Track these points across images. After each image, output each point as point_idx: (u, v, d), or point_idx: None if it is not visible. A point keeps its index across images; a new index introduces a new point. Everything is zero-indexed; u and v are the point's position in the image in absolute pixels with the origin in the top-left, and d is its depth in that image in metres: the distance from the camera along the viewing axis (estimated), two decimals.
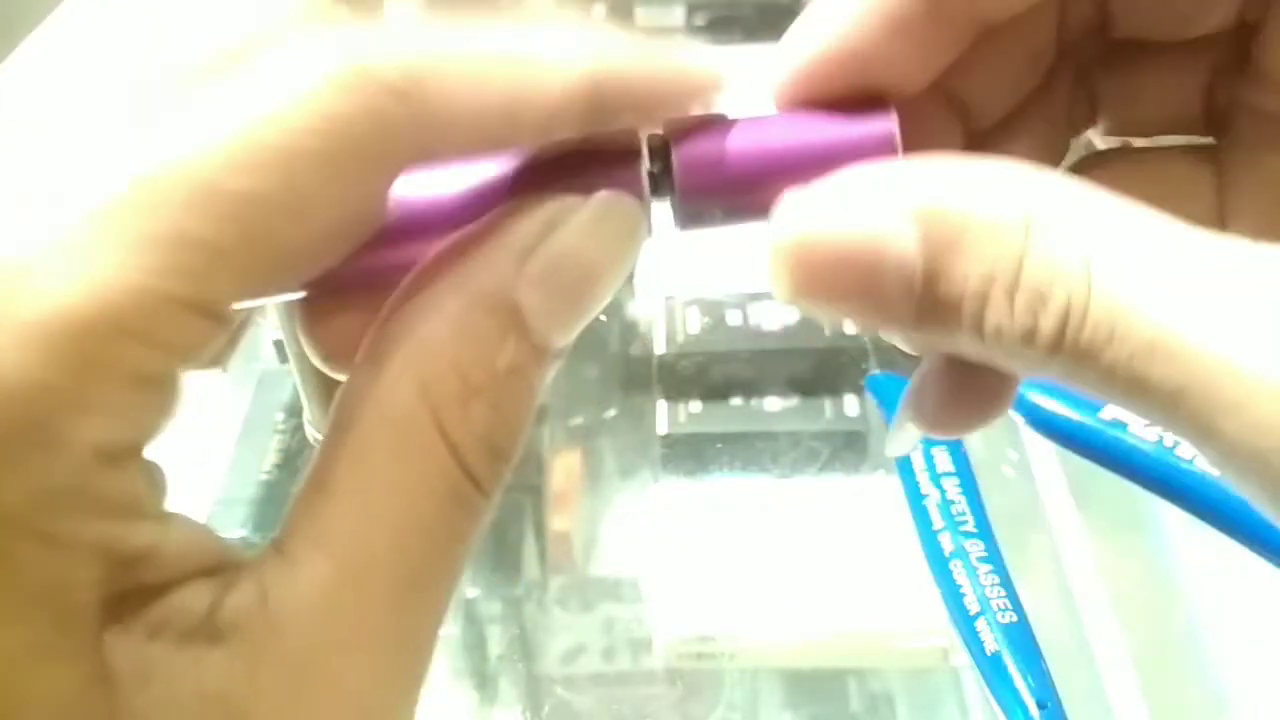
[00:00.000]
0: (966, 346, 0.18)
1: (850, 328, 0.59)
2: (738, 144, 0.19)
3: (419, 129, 0.16)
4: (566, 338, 0.17)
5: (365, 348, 0.17)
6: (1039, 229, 0.17)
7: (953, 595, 0.45)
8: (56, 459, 0.14)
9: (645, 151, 0.19)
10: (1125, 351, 0.16)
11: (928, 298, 0.17)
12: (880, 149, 0.19)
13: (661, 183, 0.19)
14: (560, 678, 0.51)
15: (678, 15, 0.87)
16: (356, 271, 0.17)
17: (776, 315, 0.60)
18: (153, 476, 0.15)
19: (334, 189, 0.15)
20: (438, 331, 0.16)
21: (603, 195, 0.18)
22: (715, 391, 0.58)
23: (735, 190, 0.19)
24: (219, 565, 0.15)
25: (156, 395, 0.15)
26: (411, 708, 0.16)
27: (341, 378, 0.18)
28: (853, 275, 0.17)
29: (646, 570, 0.53)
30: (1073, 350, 0.17)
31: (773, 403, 0.57)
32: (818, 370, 0.58)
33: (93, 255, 0.14)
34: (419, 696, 0.17)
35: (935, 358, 0.23)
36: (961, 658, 0.46)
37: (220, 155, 0.14)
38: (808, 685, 0.52)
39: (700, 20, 0.87)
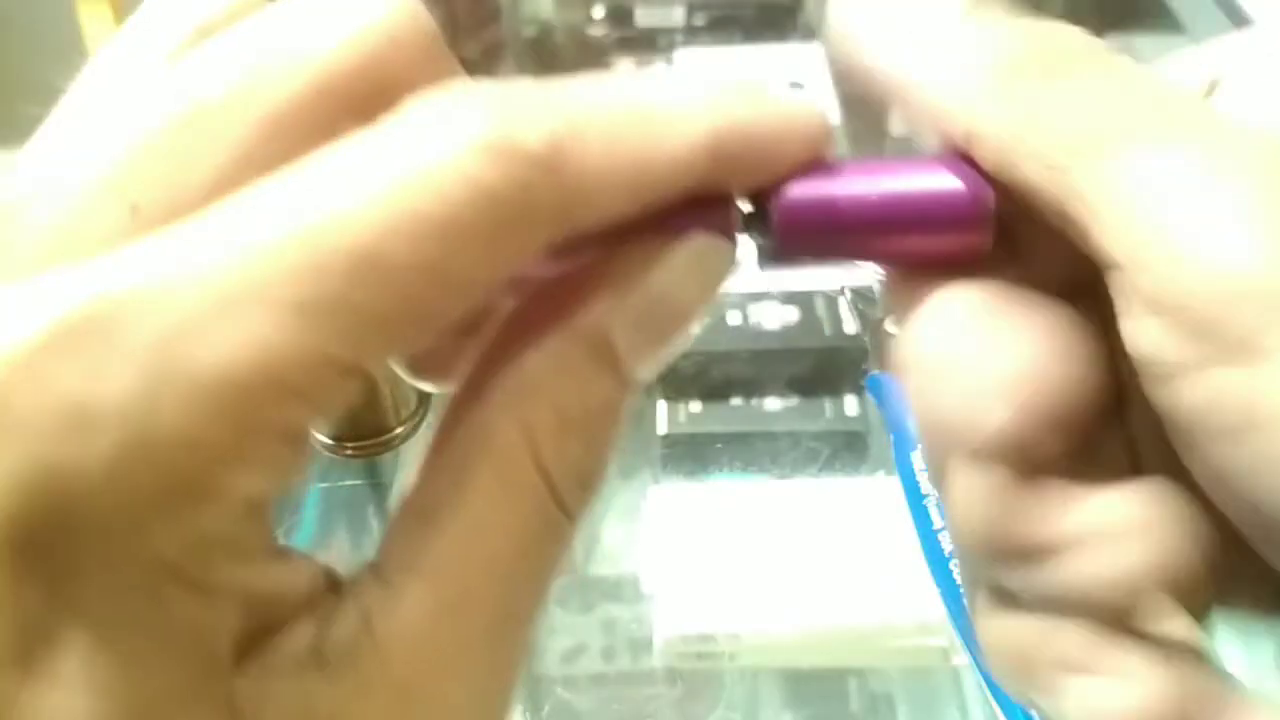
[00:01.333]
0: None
1: (851, 327, 0.59)
2: (837, 189, 0.19)
3: (562, 199, 0.16)
4: (652, 372, 0.18)
5: (467, 379, 0.17)
6: None
7: (953, 595, 0.45)
8: (213, 510, 0.14)
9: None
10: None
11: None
12: (971, 208, 0.19)
13: (752, 221, 0.19)
14: (560, 678, 0.51)
15: (678, 15, 0.87)
16: None
17: (776, 315, 0.60)
18: (269, 520, 0.16)
19: (485, 261, 0.15)
20: (539, 370, 0.17)
21: (700, 239, 0.18)
22: (715, 391, 0.58)
23: (832, 235, 0.19)
24: (325, 589, 0.16)
25: (302, 448, 0.15)
26: None
27: (429, 388, 0.20)
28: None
29: (646, 570, 0.53)
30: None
31: (773, 403, 0.57)
32: (818, 370, 0.58)
33: (258, 315, 0.14)
34: (510, 714, 0.17)
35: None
36: (961, 658, 0.46)
37: (380, 222, 0.14)
38: (808, 685, 0.52)
39: (700, 20, 0.87)
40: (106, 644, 0.14)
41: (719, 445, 0.56)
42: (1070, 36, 0.18)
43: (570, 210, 0.16)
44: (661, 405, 0.57)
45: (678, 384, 0.58)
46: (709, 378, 0.58)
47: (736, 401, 0.57)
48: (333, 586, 0.16)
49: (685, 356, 0.58)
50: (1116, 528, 0.17)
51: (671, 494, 0.54)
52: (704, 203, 0.18)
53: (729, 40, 0.86)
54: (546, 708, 0.50)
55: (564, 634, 0.52)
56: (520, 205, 0.15)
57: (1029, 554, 0.18)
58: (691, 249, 0.18)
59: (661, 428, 0.56)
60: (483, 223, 0.15)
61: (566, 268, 0.18)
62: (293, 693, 0.15)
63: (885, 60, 0.19)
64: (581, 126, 0.16)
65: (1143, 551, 0.17)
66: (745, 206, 0.19)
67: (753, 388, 0.58)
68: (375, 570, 0.16)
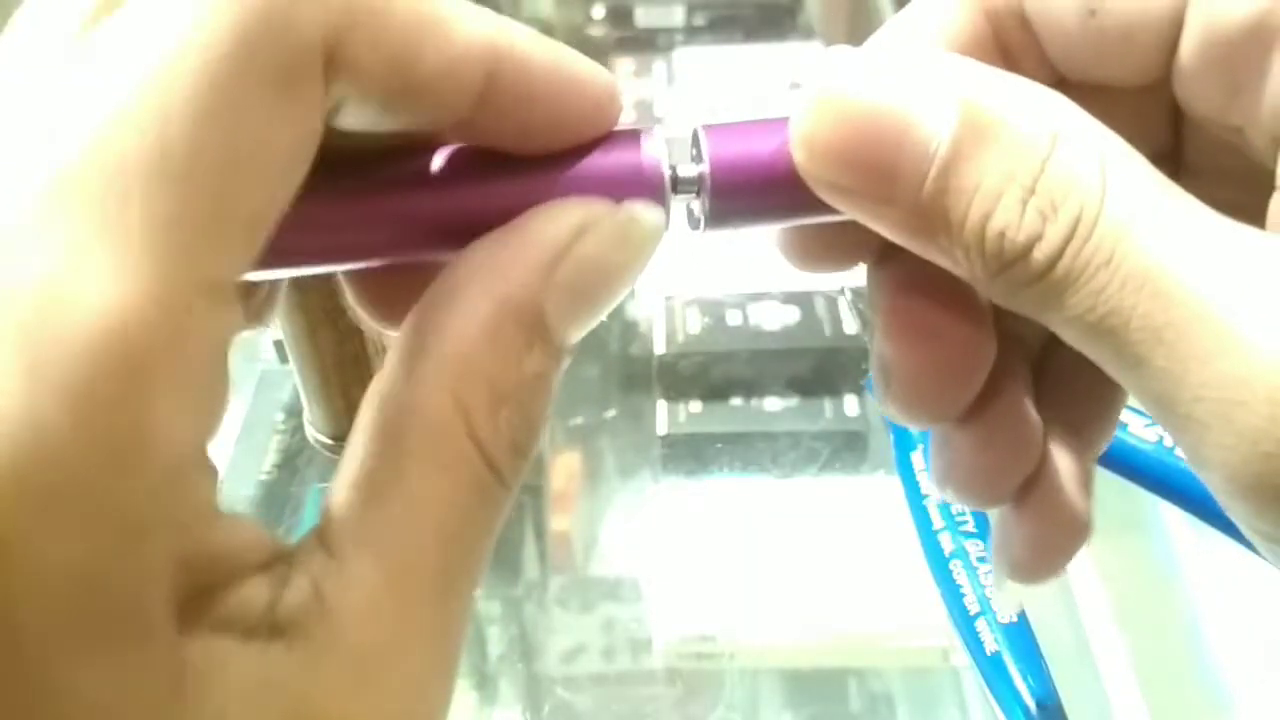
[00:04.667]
0: (952, 251, 0.18)
1: (851, 327, 0.59)
2: (768, 144, 0.19)
3: (330, 32, 0.15)
4: (580, 336, 0.18)
5: (399, 347, 0.17)
6: (1065, 144, 0.17)
7: (953, 595, 0.45)
8: (146, 476, 0.13)
9: (665, 150, 0.19)
10: (1118, 278, 0.17)
11: (939, 183, 0.18)
12: None
13: (682, 182, 0.20)
14: (560, 678, 0.51)
15: (678, 15, 0.87)
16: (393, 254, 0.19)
17: (776, 315, 0.60)
18: (213, 477, 0.16)
19: (269, 120, 0.15)
20: (470, 342, 0.17)
21: (630, 205, 0.18)
22: (715, 391, 0.58)
23: (766, 191, 0.20)
24: (271, 558, 0.16)
25: (218, 387, 0.15)
26: (451, 693, 0.17)
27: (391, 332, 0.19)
28: (876, 141, 0.18)
29: (646, 570, 0.52)
30: (1066, 269, 0.17)
31: (773, 403, 0.57)
32: (818, 370, 0.58)
33: (97, 256, 0.13)
34: (455, 683, 0.18)
35: (1005, 509, 0.23)
36: (961, 658, 0.46)
37: (147, 117, 0.14)
38: (808, 685, 0.52)
39: (700, 20, 0.87)
40: None
41: (719, 445, 0.56)
42: None
43: (340, 50, 0.16)
44: (661, 405, 0.57)
45: (678, 384, 0.58)
46: (709, 378, 0.58)
47: (736, 401, 0.57)
48: (282, 556, 0.16)
49: (685, 356, 0.58)
50: None
51: (671, 494, 0.54)
52: (633, 166, 0.19)
53: (729, 40, 0.86)
54: (546, 708, 0.50)
55: (564, 634, 0.52)
56: (283, 40, 0.15)
57: None
58: (621, 216, 0.18)
59: (661, 428, 0.56)
60: (248, 73, 0.14)
61: (498, 232, 0.18)
62: (246, 656, 0.15)
63: None
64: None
65: None
66: (678, 170, 0.20)
67: (753, 388, 0.58)
68: (321, 540, 0.16)
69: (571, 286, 0.18)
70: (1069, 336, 0.18)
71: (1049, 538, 0.23)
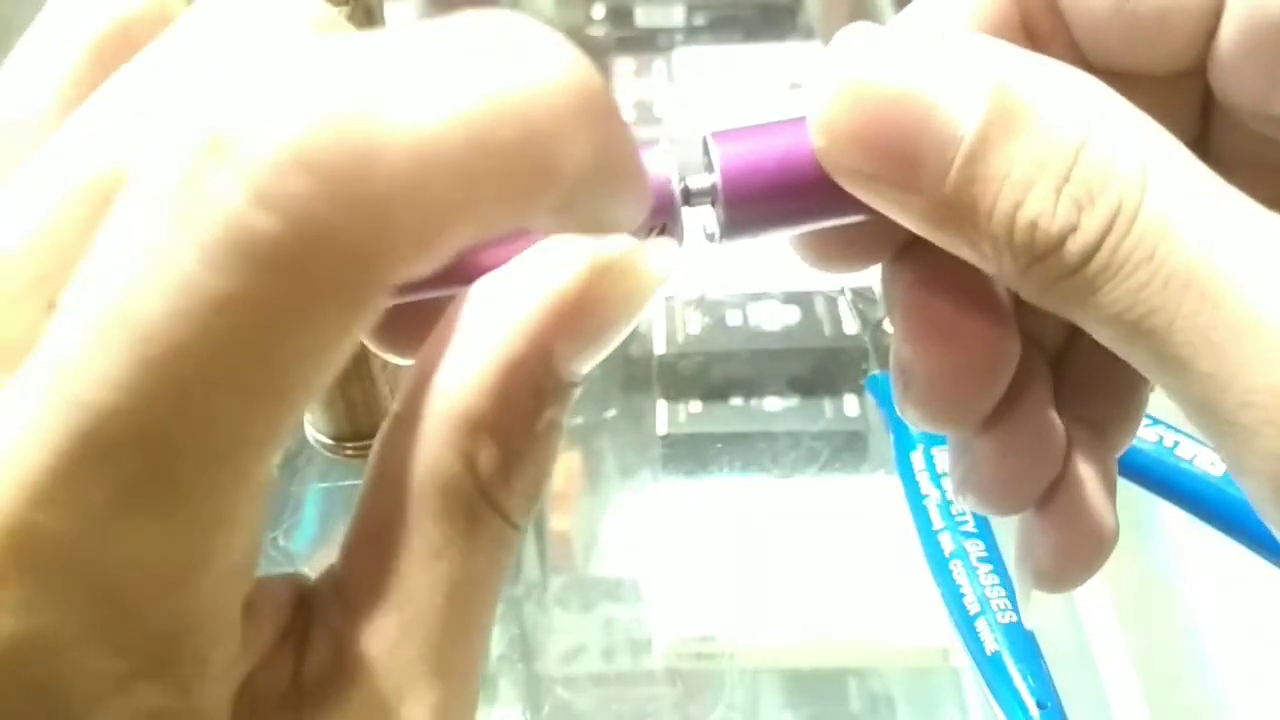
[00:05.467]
0: (979, 244, 0.17)
1: (851, 327, 0.59)
2: (782, 148, 0.19)
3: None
4: (587, 370, 0.18)
5: (408, 394, 0.17)
6: (1101, 132, 0.17)
7: (953, 595, 0.45)
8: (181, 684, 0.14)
9: (674, 164, 0.19)
10: (1161, 275, 0.16)
11: (966, 171, 0.17)
12: None
13: (694, 195, 0.19)
14: (560, 678, 0.51)
15: (678, 15, 0.87)
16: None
17: (776, 315, 0.60)
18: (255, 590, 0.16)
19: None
20: (480, 404, 0.16)
21: (646, 243, 0.17)
22: (715, 391, 0.58)
23: (783, 197, 0.19)
24: (293, 618, 0.16)
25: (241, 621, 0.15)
26: None
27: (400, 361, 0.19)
28: (900, 125, 0.17)
29: (646, 570, 0.52)
30: (1104, 264, 0.16)
31: (773, 403, 0.57)
32: (818, 370, 0.58)
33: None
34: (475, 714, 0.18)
35: (1028, 516, 0.22)
36: (961, 658, 0.46)
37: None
38: (808, 685, 0.52)
39: (700, 20, 0.87)
40: None
41: (719, 445, 0.56)
42: None
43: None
44: (661, 405, 0.57)
45: (678, 384, 0.58)
46: (709, 378, 0.58)
47: (736, 401, 0.57)
48: (300, 602, 0.17)
49: (685, 356, 0.58)
50: None
51: (671, 494, 0.54)
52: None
53: (729, 40, 0.86)
54: (546, 708, 0.50)
55: (564, 634, 0.52)
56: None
57: None
58: (633, 256, 0.17)
59: (661, 428, 0.56)
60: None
61: (506, 269, 0.17)
62: None
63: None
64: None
65: None
66: (689, 183, 0.19)
67: (753, 388, 0.58)
68: (339, 591, 0.17)
69: (581, 332, 0.17)
70: (1104, 336, 0.17)
71: (1075, 545, 0.22)
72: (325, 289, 0.12)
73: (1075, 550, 0.22)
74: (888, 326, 0.52)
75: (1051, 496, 0.22)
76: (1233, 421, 0.16)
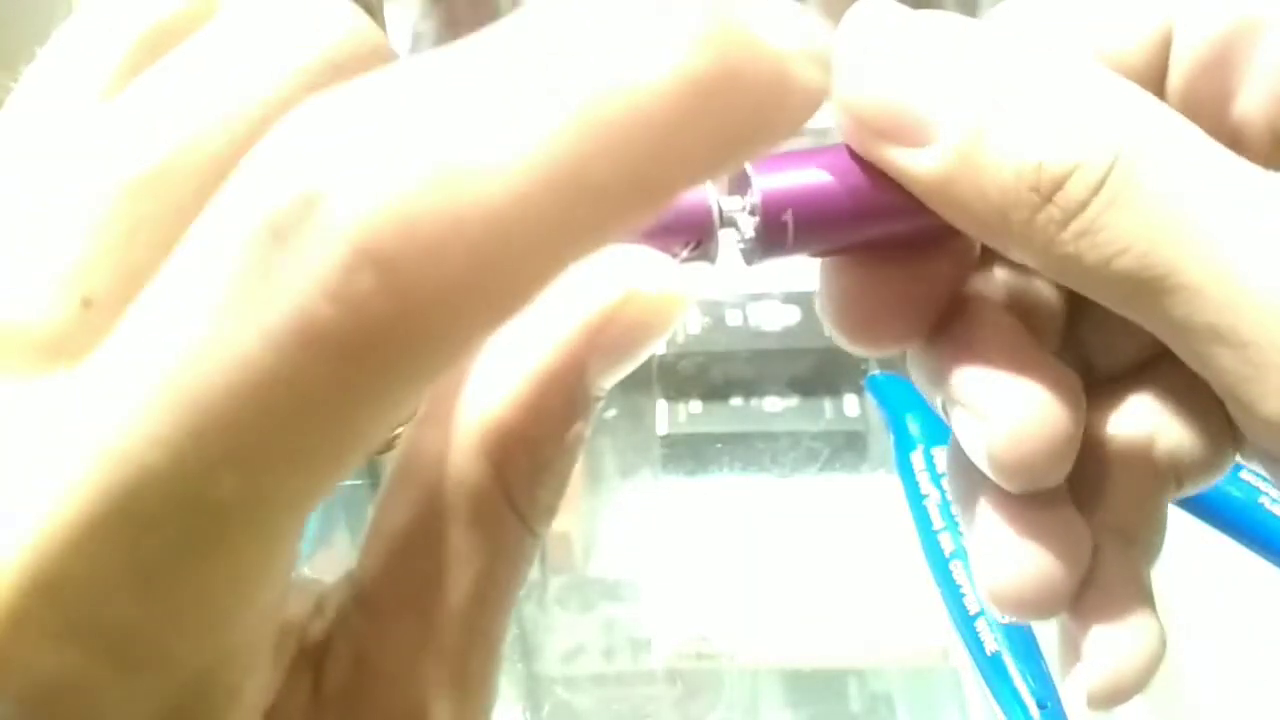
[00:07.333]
0: (986, 195, 0.18)
1: None
2: (820, 172, 0.19)
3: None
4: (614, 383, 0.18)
5: (436, 397, 0.17)
6: (1099, 87, 0.18)
7: (953, 595, 0.45)
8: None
9: (712, 186, 0.19)
10: (1164, 210, 0.17)
11: (977, 124, 0.18)
12: None
13: (730, 217, 0.19)
14: (560, 678, 0.51)
15: None
16: None
17: (776, 315, 0.60)
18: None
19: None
20: (513, 415, 0.17)
21: (674, 272, 0.17)
22: (715, 391, 0.58)
23: (822, 221, 0.19)
24: (314, 626, 0.17)
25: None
26: None
27: None
28: (914, 94, 0.19)
29: (646, 570, 0.53)
30: (1109, 200, 0.18)
31: (773, 403, 0.57)
32: (818, 370, 0.58)
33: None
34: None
35: (1068, 633, 0.22)
36: (961, 658, 0.46)
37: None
38: (808, 685, 0.52)
39: None
40: None
41: (719, 445, 0.56)
42: None
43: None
44: (661, 405, 0.57)
45: (678, 384, 0.58)
46: (709, 378, 0.58)
47: (736, 401, 0.57)
48: (317, 609, 0.17)
49: (685, 356, 0.58)
50: None
51: (671, 494, 0.54)
52: (680, 204, 0.18)
53: None
54: (546, 708, 0.50)
55: (564, 634, 0.52)
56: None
57: None
58: (668, 280, 0.17)
59: (661, 428, 0.56)
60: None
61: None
62: None
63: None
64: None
65: None
66: (723, 205, 0.19)
67: (753, 388, 0.58)
68: (358, 597, 0.17)
69: (613, 350, 0.17)
70: (1108, 292, 0.18)
71: (1113, 647, 0.22)
72: (391, 376, 0.12)
73: (1119, 658, 0.22)
74: None
75: (1083, 599, 0.22)
76: (1235, 369, 0.17)
